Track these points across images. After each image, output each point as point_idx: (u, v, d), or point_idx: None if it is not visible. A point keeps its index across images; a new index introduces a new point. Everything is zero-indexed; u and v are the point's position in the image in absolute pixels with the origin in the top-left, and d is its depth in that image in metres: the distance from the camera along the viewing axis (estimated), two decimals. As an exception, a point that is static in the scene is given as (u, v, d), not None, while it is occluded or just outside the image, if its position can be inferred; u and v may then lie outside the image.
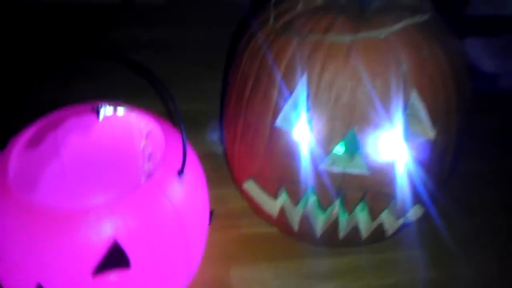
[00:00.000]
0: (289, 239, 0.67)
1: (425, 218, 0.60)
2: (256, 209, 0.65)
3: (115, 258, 0.48)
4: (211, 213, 0.66)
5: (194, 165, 0.56)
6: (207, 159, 0.62)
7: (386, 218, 0.58)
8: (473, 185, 0.73)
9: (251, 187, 0.62)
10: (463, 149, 0.58)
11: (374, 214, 0.57)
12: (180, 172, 0.53)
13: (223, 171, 0.74)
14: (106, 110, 0.61)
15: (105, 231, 0.47)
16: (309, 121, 0.52)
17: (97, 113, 0.61)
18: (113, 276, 0.48)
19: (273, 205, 0.61)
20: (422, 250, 0.61)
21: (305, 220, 0.59)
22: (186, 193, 0.53)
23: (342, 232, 0.59)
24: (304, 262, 0.65)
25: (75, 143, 0.65)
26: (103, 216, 0.47)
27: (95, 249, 0.47)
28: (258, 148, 0.58)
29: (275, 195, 0.59)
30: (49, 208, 0.47)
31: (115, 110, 0.62)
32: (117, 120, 0.64)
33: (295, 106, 0.53)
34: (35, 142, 0.59)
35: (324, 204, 0.56)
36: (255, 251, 0.67)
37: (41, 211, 0.47)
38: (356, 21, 0.51)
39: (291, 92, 0.52)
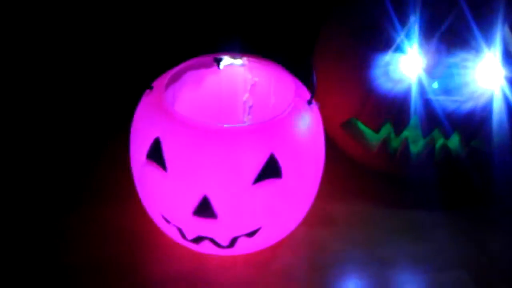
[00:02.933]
0: (376, 177, 0.76)
1: None
2: (352, 149, 0.73)
3: (269, 169, 0.56)
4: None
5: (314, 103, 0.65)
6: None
7: (477, 145, 0.67)
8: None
9: (351, 126, 0.71)
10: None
11: (466, 140, 0.66)
12: (309, 102, 0.61)
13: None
14: (226, 61, 0.69)
15: (264, 145, 0.55)
16: (419, 52, 0.62)
17: (218, 64, 0.69)
18: (268, 185, 0.56)
19: (374, 139, 0.70)
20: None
21: (405, 148, 0.68)
22: (314, 120, 0.61)
23: (437, 157, 0.68)
24: (394, 195, 0.74)
25: (188, 95, 0.73)
26: (263, 132, 0.55)
27: (257, 161, 0.55)
28: (361, 84, 0.66)
29: (378, 129, 0.68)
30: (217, 126, 0.55)
31: (233, 61, 0.70)
32: (227, 72, 0.72)
33: (407, 38, 0.62)
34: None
35: (425, 131, 0.65)
36: (349, 188, 0.76)
37: (209, 130, 0.55)
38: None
39: (402, 27, 0.61)
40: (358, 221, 0.71)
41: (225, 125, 0.55)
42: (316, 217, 0.70)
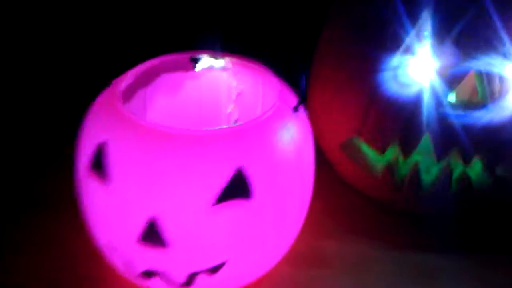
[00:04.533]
0: (380, 210, 0.64)
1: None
2: (353, 175, 0.62)
3: (236, 187, 0.44)
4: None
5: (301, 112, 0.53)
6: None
7: (503, 173, 0.55)
8: None
9: (352, 146, 0.59)
10: None
11: (490, 165, 0.54)
12: (295, 109, 0.50)
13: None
14: (205, 62, 0.59)
15: (230, 157, 0.44)
16: (433, 55, 0.50)
17: (195, 65, 0.58)
18: (233, 207, 0.44)
19: (379, 163, 0.58)
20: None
21: (415, 176, 0.56)
22: (300, 132, 0.50)
23: (454, 188, 0.55)
24: (402, 233, 0.61)
25: (162, 103, 0.62)
26: (229, 141, 0.44)
27: (220, 176, 0.43)
28: (362, 99, 0.56)
29: (383, 150, 0.56)
30: (170, 131, 0.44)
31: (213, 62, 0.59)
32: (209, 77, 0.62)
33: (417, 37, 0.51)
34: (126, 95, 0.56)
35: (439, 154, 0.53)
36: (347, 222, 0.63)
37: (161, 134, 0.44)
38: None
39: (412, 23, 0.50)
40: (354, 263, 0.58)
41: (181, 130, 0.44)
42: (303, 255, 0.58)
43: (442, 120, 0.52)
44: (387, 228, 0.62)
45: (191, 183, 0.43)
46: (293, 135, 0.48)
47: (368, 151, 0.59)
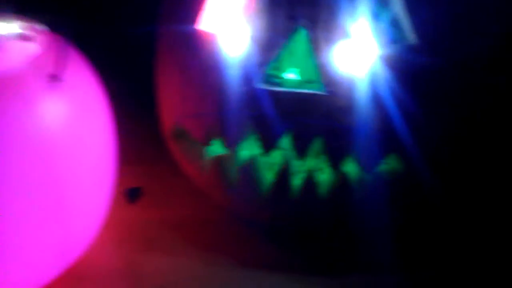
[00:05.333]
0: (230, 223, 0.52)
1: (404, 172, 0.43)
2: (190, 172, 0.50)
3: None
4: (139, 190, 0.54)
5: (91, 86, 0.41)
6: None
7: (351, 169, 0.42)
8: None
9: (178, 136, 0.47)
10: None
11: (334, 161, 0.41)
12: (54, 77, 0.37)
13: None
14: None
15: None
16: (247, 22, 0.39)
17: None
18: None
19: (204, 159, 0.45)
20: (396, 216, 0.44)
21: (246, 175, 0.44)
22: (65, 115, 0.37)
23: (294, 188, 0.43)
24: (244, 250, 0.49)
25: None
26: None
27: None
28: (184, 79, 0.44)
29: (205, 142, 0.44)
30: None
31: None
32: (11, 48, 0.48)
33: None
34: None
35: (266, 144, 0.41)
36: (186, 235, 0.51)
37: None
38: None
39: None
40: (175, 282, 0.46)
41: None
42: (118, 273, 0.46)
43: (262, 99, 0.40)
44: (222, 240, 0.50)
45: None
46: (44, 116, 0.36)
47: (192, 142, 0.46)
